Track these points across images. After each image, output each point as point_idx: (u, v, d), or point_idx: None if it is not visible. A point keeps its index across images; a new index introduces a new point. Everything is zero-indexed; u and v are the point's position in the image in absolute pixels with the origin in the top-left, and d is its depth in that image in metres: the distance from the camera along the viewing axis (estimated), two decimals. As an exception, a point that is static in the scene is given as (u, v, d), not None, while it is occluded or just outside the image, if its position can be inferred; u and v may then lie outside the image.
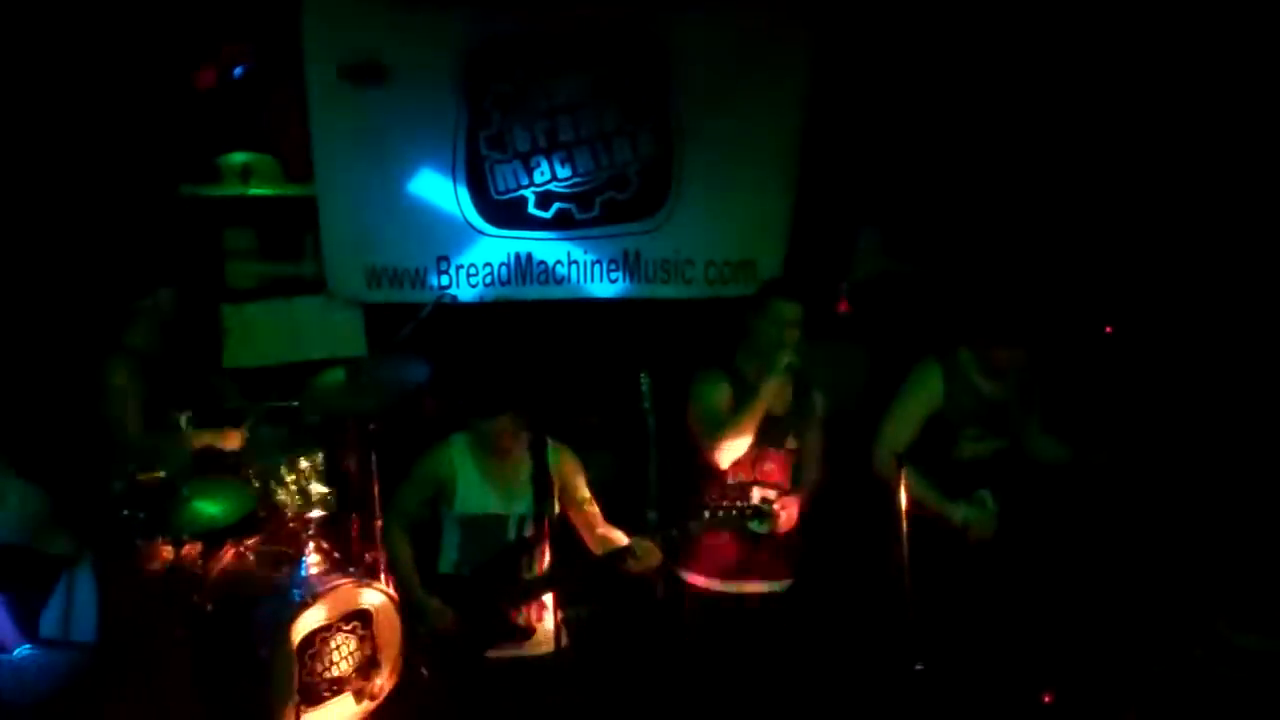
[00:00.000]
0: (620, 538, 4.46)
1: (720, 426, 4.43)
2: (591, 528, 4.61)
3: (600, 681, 5.11)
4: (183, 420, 5.05)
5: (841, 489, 4.86)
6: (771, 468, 4.58)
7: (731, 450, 4.42)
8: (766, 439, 4.50)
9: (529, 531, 4.45)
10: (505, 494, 4.47)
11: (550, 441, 4.47)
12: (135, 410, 4.94)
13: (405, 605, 4.56)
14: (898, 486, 4.14)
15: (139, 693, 4.25)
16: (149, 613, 4.47)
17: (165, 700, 4.32)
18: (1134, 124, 5.69)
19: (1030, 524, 4.80)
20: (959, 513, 4.58)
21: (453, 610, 4.40)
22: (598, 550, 4.53)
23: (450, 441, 4.52)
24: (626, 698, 5.10)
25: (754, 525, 4.42)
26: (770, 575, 4.68)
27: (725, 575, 4.63)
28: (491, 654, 4.45)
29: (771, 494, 4.52)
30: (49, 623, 4.23)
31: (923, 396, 4.66)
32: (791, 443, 4.62)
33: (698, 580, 4.65)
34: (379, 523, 4.81)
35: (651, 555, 4.32)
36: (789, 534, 4.56)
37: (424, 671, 4.52)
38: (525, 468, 4.34)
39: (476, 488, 4.44)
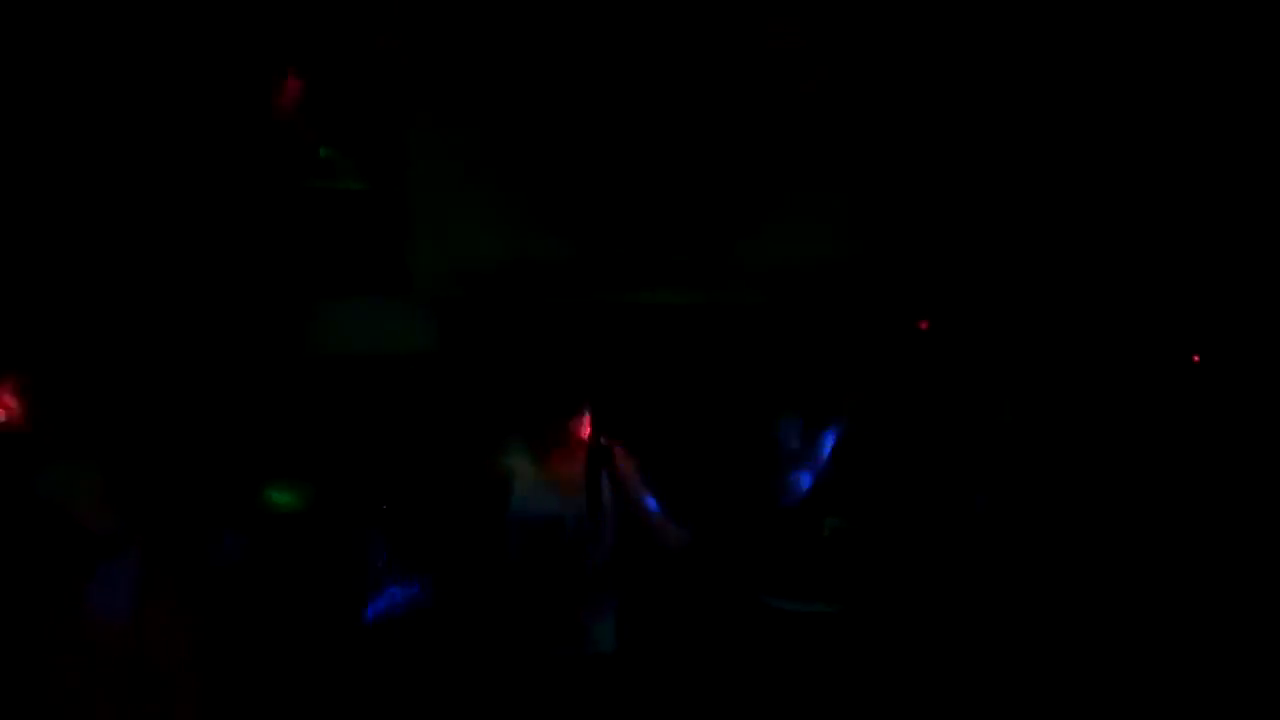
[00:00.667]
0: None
1: None
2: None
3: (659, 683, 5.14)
4: None
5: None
6: None
7: None
8: None
9: (587, 532, 4.41)
10: (562, 495, 4.41)
11: (605, 440, 4.44)
12: None
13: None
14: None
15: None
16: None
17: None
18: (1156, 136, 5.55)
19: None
20: None
21: (507, 614, 4.40)
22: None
23: (506, 441, 4.51)
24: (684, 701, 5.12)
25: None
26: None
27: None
28: (549, 654, 4.41)
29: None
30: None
31: None
32: None
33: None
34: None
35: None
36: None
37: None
38: (582, 468, 4.35)
39: (532, 488, 4.41)
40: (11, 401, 3.96)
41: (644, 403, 5.66)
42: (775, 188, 6.05)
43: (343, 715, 4.73)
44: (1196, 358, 5.64)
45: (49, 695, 3.44)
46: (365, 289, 6.11)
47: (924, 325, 5.52)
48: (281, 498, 4.85)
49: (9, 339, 4.78)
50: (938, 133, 6.00)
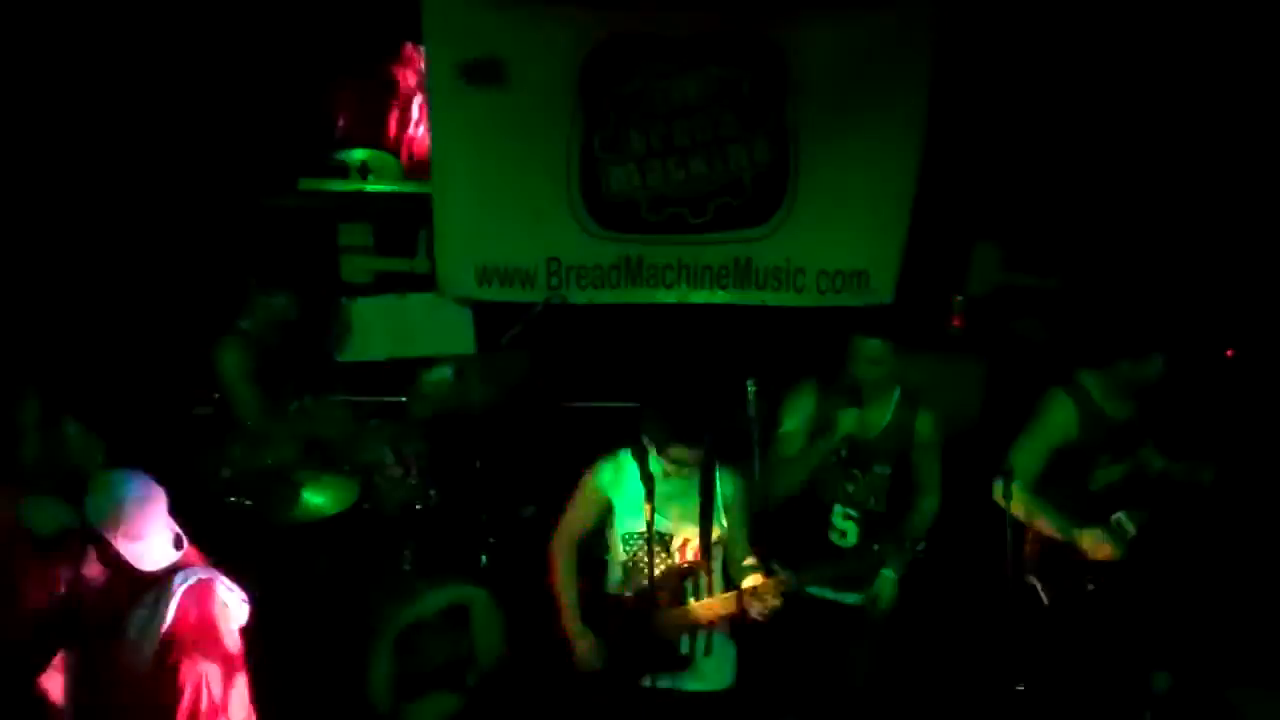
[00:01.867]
0: (753, 578, 4.07)
1: (778, 462, 4.34)
2: (734, 557, 4.27)
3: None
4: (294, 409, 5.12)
5: (956, 507, 4.72)
6: (854, 490, 4.45)
7: (778, 490, 4.31)
8: (853, 462, 4.40)
9: (694, 554, 4.17)
10: (670, 514, 4.13)
11: (718, 463, 4.19)
12: (250, 387, 4.99)
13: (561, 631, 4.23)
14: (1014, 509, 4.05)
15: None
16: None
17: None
18: (1271, 136, 5.49)
19: (1157, 545, 4.65)
20: (1087, 538, 4.42)
21: (605, 647, 4.13)
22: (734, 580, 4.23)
23: (616, 455, 4.21)
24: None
25: None
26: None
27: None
28: (649, 683, 4.10)
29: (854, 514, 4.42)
30: None
31: (1056, 430, 4.49)
32: (881, 468, 4.46)
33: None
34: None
35: (767, 599, 3.97)
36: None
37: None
38: (693, 488, 4.12)
39: (640, 505, 4.02)
40: None
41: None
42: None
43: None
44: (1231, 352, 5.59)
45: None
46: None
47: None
48: (315, 499, 4.79)
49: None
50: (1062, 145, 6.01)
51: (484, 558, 5.21)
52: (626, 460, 4.14)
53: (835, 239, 6.11)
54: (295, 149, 5.98)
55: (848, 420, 4.26)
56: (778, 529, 4.35)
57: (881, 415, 4.46)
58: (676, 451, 3.96)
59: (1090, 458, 4.52)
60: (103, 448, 4.28)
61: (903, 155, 5.98)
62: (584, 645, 4.12)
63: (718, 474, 4.15)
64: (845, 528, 4.44)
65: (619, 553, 4.18)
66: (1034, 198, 6.20)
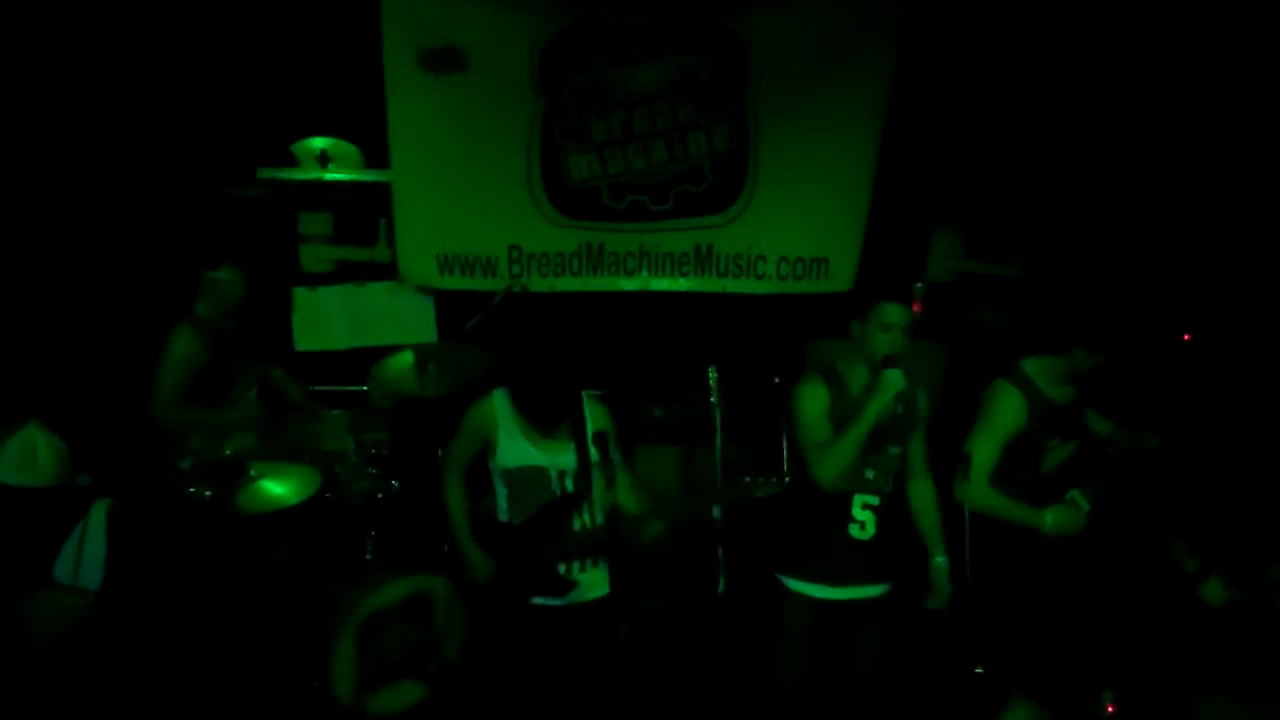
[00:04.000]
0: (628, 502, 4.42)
1: (822, 446, 4.33)
2: (613, 486, 4.45)
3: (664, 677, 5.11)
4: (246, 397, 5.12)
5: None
6: (873, 475, 4.46)
7: (833, 470, 4.32)
8: (868, 446, 4.36)
9: (574, 485, 4.44)
10: (546, 446, 4.42)
11: (586, 395, 4.48)
12: (182, 379, 5.01)
13: (454, 552, 4.55)
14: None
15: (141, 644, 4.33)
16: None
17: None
18: (1225, 125, 5.55)
19: (1110, 518, 4.72)
20: (1048, 519, 4.51)
21: (496, 562, 4.42)
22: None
23: (491, 396, 4.48)
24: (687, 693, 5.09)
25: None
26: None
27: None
28: (538, 603, 4.44)
29: (874, 500, 4.44)
30: (62, 566, 4.26)
31: (1006, 422, 4.55)
32: (895, 448, 4.46)
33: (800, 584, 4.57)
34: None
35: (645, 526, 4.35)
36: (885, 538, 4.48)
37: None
38: (565, 420, 4.40)
39: (518, 441, 4.40)
40: None
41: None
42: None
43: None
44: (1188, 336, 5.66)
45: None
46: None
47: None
48: (276, 489, 4.78)
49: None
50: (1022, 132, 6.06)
51: (446, 546, 5.21)
52: (501, 399, 4.43)
53: (796, 226, 6.14)
54: (254, 138, 5.93)
55: (894, 377, 4.24)
56: (796, 528, 4.45)
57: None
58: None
59: (1040, 442, 4.58)
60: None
61: (863, 142, 6.01)
62: (472, 559, 4.43)
63: (587, 406, 4.43)
64: (864, 518, 4.41)
65: (501, 487, 4.46)
66: (994, 184, 6.24)
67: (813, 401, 4.42)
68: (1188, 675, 4.72)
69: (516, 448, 4.40)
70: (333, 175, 6.05)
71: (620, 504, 4.32)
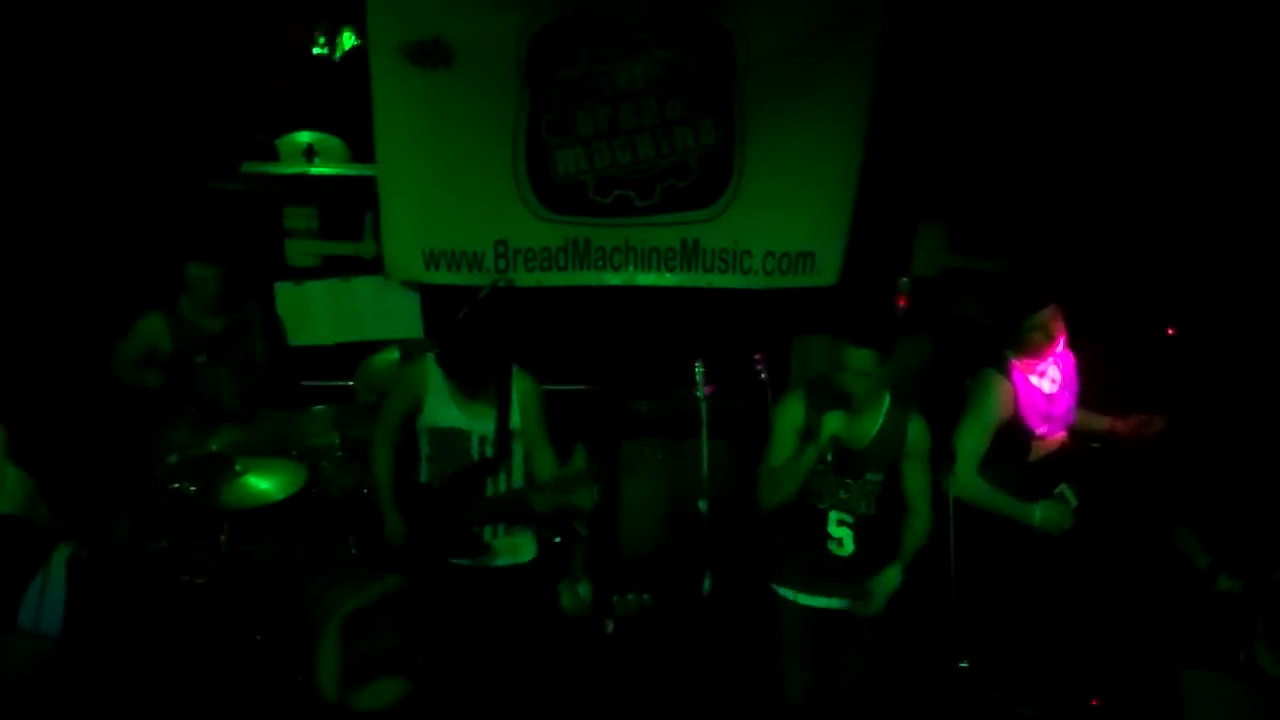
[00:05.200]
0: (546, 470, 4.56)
1: (769, 470, 4.41)
2: (532, 456, 4.66)
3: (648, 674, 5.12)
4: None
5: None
6: (848, 497, 4.45)
7: (770, 498, 4.40)
8: (844, 470, 4.39)
9: (492, 450, 4.54)
10: (470, 411, 4.53)
11: (515, 366, 4.59)
12: (136, 349, 5.14)
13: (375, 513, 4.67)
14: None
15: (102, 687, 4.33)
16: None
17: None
18: (1209, 121, 5.57)
19: (1101, 513, 4.76)
20: (1036, 514, 4.52)
21: (411, 526, 4.55)
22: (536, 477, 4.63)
23: (425, 358, 4.60)
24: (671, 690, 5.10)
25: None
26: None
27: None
28: (457, 563, 4.62)
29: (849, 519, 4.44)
30: (25, 612, 4.25)
31: (993, 409, 4.58)
32: (874, 475, 4.43)
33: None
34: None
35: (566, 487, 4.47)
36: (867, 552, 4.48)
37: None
38: (491, 388, 4.50)
39: (443, 403, 4.51)
40: None
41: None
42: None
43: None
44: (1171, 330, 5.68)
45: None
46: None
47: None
48: (262, 484, 4.78)
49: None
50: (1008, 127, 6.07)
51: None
52: (431, 363, 4.55)
53: (782, 220, 6.13)
54: (238, 132, 5.92)
55: (832, 423, 4.26)
56: (775, 540, 4.50)
57: (872, 423, 4.42)
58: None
59: (1027, 431, 4.60)
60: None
61: (848, 137, 6.00)
62: (390, 522, 4.57)
63: (515, 375, 4.56)
64: (841, 535, 4.42)
65: (424, 446, 4.59)
66: (979, 180, 6.25)
67: (784, 419, 4.45)
68: (1173, 653, 4.75)
69: (441, 408, 4.52)
70: (318, 170, 6.04)
71: (536, 474, 4.51)
